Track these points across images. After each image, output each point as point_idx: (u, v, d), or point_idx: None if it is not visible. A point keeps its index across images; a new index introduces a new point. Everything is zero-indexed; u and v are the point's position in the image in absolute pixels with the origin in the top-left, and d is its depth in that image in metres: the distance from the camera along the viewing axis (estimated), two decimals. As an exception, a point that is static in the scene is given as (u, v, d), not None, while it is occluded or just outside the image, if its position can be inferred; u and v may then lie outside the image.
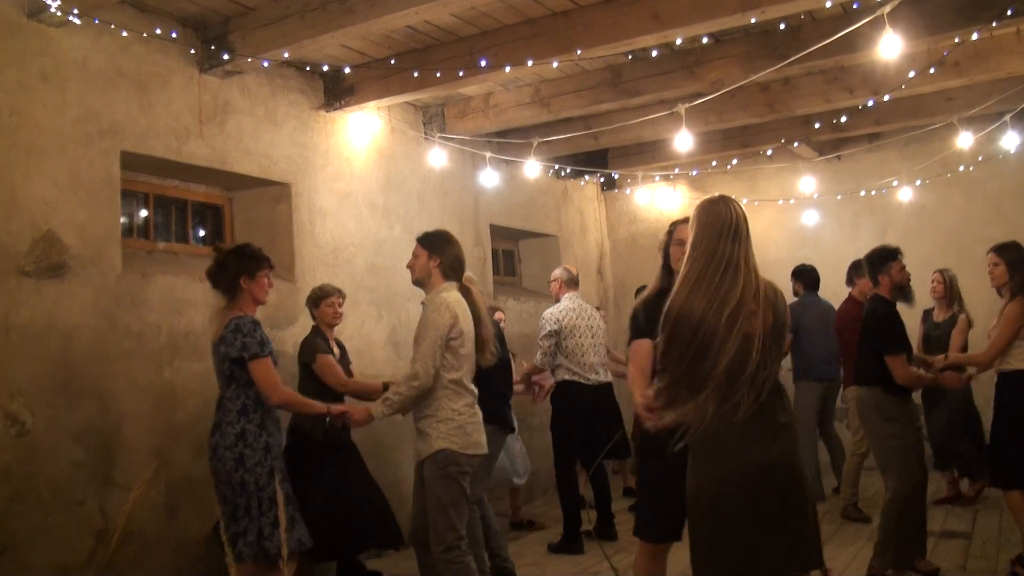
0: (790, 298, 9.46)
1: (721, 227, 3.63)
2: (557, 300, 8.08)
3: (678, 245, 4.48)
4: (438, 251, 5.19)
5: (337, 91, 7.59)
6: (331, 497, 6.04)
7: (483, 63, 6.83)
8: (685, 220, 4.39)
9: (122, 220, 6.12)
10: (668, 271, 4.66)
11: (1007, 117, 8.31)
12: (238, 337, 4.87)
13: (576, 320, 7.86)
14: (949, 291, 7.98)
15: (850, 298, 8.21)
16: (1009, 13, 6.27)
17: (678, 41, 6.92)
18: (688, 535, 3.72)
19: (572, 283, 8.13)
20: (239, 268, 5.07)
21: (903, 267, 6.17)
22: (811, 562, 3.53)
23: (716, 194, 3.81)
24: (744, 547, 3.47)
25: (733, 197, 3.80)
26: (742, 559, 3.47)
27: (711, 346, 3.44)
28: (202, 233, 7.21)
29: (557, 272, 8.25)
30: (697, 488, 3.61)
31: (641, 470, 4.90)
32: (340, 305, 6.58)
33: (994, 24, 6.51)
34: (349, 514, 6.11)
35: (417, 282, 5.28)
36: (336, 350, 6.54)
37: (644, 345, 4.31)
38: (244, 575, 4.81)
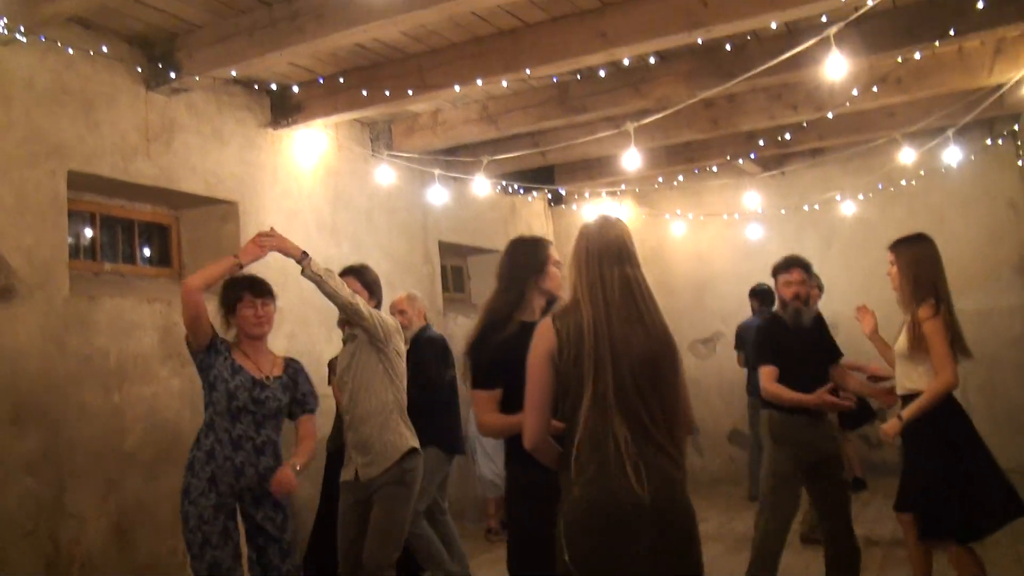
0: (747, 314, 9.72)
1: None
2: None
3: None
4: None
5: (284, 109, 7.56)
6: None
7: (431, 81, 6.85)
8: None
9: (68, 240, 6.03)
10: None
11: (949, 132, 8.45)
12: None
13: None
14: None
15: None
16: (951, 32, 6.41)
17: (625, 60, 6.97)
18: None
19: None
20: (223, 303, 4.88)
21: (788, 281, 5.59)
22: None
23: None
24: None
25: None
26: None
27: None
28: (148, 253, 7.13)
29: None
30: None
31: None
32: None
33: (936, 43, 6.66)
34: None
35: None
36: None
37: None
38: None
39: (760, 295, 9.37)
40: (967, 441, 4.91)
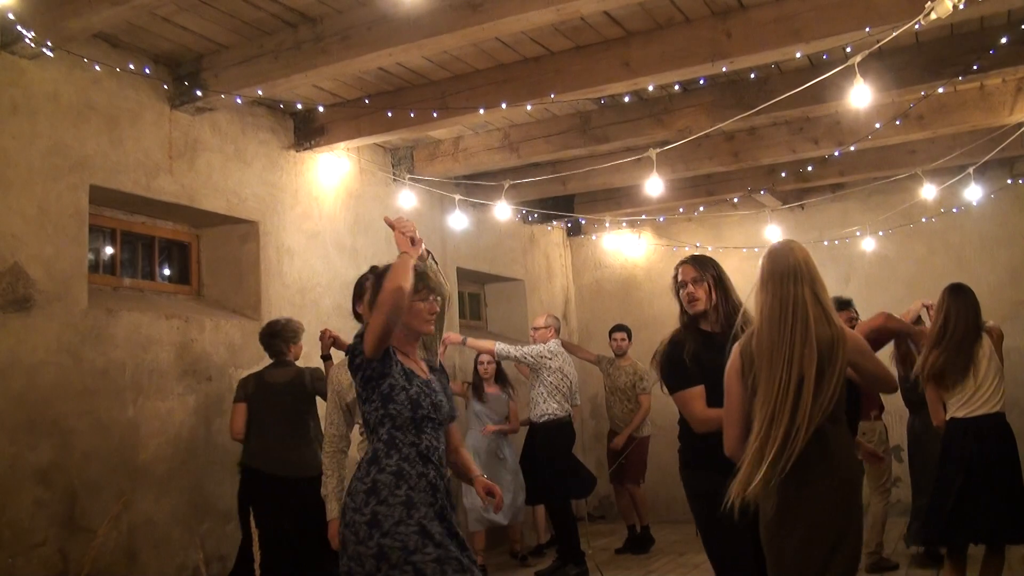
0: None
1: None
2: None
3: (682, 287, 4.47)
4: None
5: (308, 131, 7.60)
6: None
7: (455, 105, 6.88)
8: (687, 260, 4.57)
9: (89, 255, 6.05)
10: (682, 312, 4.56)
11: (970, 170, 8.43)
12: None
13: (563, 360, 8.55)
14: None
15: None
16: (975, 68, 6.41)
17: (649, 88, 6.99)
18: None
19: (558, 331, 8.79)
20: None
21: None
22: None
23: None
24: None
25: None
26: None
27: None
28: (168, 272, 7.16)
29: (549, 320, 8.81)
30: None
31: None
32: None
33: (959, 79, 6.66)
34: None
35: None
36: None
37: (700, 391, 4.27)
38: None
39: None
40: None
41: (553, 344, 8.56)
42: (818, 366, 3.51)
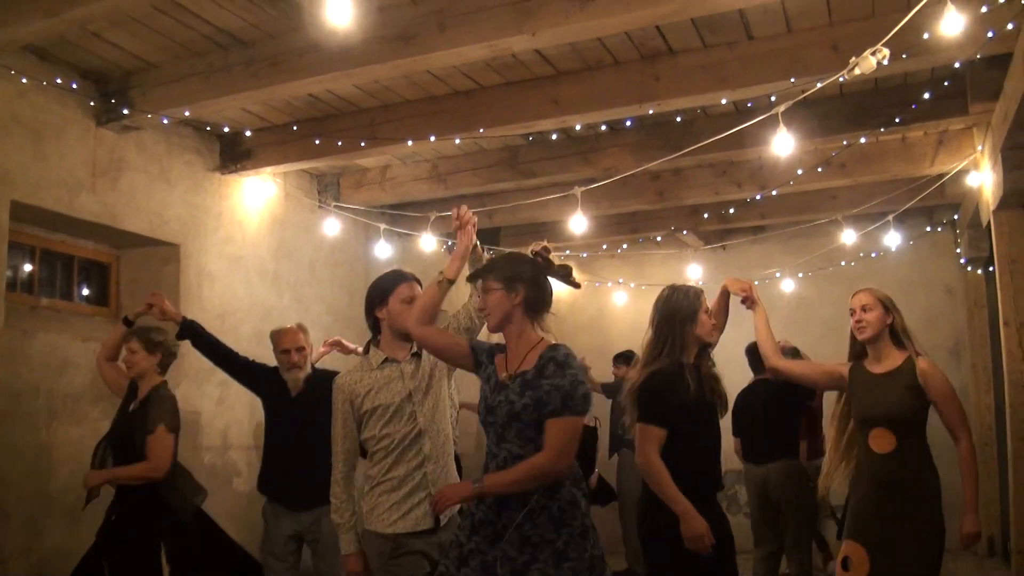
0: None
1: None
2: None
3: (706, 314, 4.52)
4: None
5: (234, 154, 7.55)
6: None
7: (383, 135, 6.88)
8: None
9: (7, 273, 5.92)
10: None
11: (890, 217, 8.66)
12: None
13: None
14: None
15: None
16: (897, 121, 6.61)
17: (577, 126, 7.08)
18: None
19: None
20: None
21: None
22: None
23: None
24: None
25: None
26: None
27: None
28: (86, 292, 7.03)
29: None
30: None
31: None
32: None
33: (881, 130, 6.86)
34: None
35: None
36: None
37: None
38: None
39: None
40: None
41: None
42: None
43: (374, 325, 4.39)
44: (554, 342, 3.66)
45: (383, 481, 4.12)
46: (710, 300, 4.73)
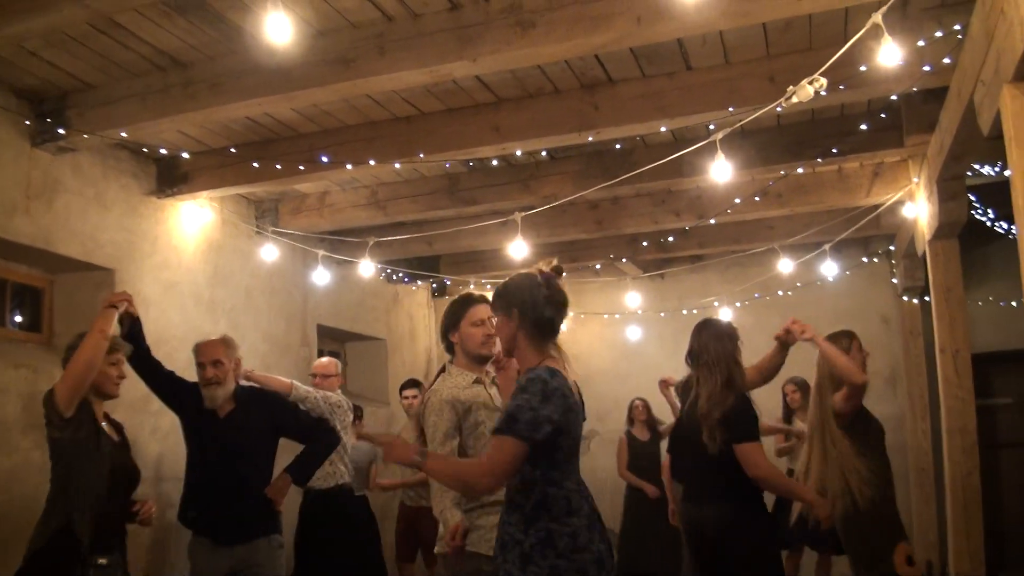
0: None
1: None
2: None
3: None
4: None
5: (170, 178, 7.44)
6: None
7: (324, 159, 6.84)
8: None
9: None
10: None
11: (826, 247, 8.79)
12: None
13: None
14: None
15: None
16: (833, 152, 6.72)
17: (517, 153, 7.09)
18: None
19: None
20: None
21: None
22: None
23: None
24: None
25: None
26: None
27: None
28: (19, 318, 6.87)
29: (340, 368, 7.96)
30: None
31: None
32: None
33: (818, 161, 6.96)
34: None
35: None
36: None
37: None
38: None
39: None
40: None
41: (344, 398, 7.41)
42: None
43: (449, 348, 4.61)
44: (548, 365, 3.51)
45: (487, 504, 4.13)
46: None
